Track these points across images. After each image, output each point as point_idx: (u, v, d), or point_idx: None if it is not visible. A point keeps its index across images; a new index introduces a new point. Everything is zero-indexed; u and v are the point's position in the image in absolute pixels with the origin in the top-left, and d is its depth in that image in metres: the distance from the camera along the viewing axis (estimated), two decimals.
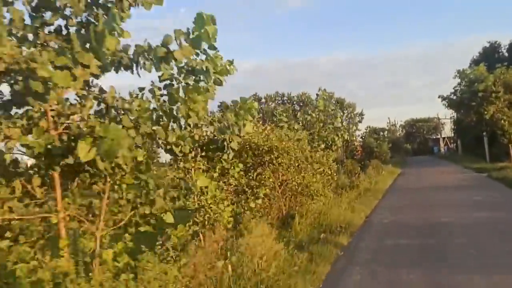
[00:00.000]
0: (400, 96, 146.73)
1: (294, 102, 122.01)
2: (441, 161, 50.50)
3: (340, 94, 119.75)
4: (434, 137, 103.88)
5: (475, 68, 30.96)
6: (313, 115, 24.26)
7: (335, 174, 22.36)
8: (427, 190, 20.87)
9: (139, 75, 6.60)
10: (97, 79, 6.57)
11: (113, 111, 6.77)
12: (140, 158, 6.55)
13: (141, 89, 7.05)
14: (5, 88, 5.99)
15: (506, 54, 44.93)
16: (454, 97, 31.96)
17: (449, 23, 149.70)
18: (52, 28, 6.55)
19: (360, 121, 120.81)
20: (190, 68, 6.67)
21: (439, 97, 33.27)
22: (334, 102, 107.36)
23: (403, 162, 49.10)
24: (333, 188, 19.52)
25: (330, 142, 23.73)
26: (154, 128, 6.93)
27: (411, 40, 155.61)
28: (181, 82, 6.75)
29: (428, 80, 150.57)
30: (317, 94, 25.02)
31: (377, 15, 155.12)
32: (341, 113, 27.06)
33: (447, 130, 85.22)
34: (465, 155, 53.37)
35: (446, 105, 33.45)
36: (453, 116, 76.65)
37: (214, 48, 6.47)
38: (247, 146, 12.39)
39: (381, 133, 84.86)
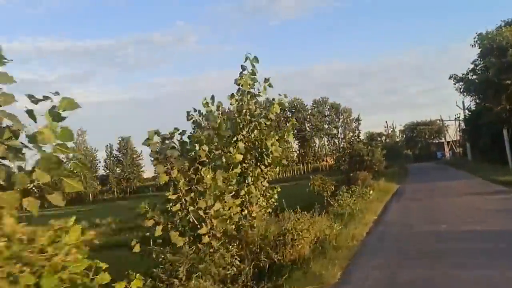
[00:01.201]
0: (398, 103, 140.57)
1: (286, 109, 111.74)
2: (451, 170, 39.02)
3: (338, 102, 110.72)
4: (437, 141, 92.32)
5: (505, 28, 19.52)
6: (232, 101, 12.80)
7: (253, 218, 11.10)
8: (459, 249, 9.14)
9: None
10: None
11: None
12: None
13: None
14: None
15: None
16: (474, 77, 20.73)
17: (444, 29, 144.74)
18: None
19: (357, 127, 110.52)
20: None
21: (450, 77, 22.23)
22: (328, 107, 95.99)
23: (402, 173, 37.64)
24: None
25: (263, 151, 12.42)
26: None
27: (407, 47, 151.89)
28: None
29: (426, 87, 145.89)
30: (242, 67, 13.33)
31: (372, 24, 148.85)
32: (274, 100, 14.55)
33: (452, 133, 73.79)
34: (478, 162, 42.27)
35: (461, 89, 22.39)
36: (459, 117, 65.51)
37: None
38: None
39: (378, 138, 73.80)
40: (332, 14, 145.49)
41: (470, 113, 38.84)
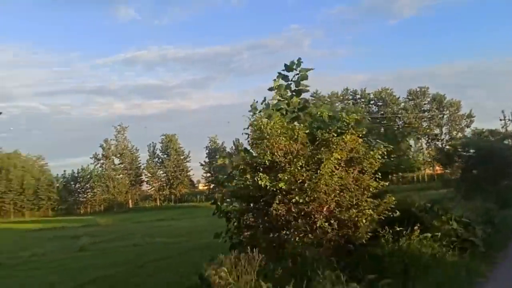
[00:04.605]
0: None
1: (371, 101, 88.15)
2: None
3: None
4: None
5: None
6: None
7: None
8: None
9: None
10: None
11: None
12: None
13: None
14: None
15: None
16: None
17: None
18: None
19: (468, 126, 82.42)
20: None
21: None
22: (428, 99, 69.45)
23: None
24: None
25: None
26: None
27: None
28: None
29: None
30: None
31: (500, 18, 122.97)
32: None
33: None
34: None
35: None
36: None
37: None
38: None
39: (490, 137, 47.90)
40: (455, 9, 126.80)
41: None
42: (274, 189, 6.85)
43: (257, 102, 8.92)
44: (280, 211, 6.94)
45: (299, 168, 6.85)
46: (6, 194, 77.68)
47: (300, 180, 6.85)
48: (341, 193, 7.04)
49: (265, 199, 7.27)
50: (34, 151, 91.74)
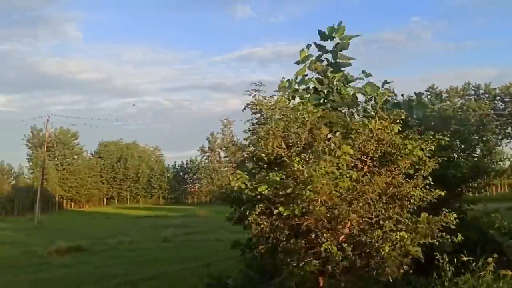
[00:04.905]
0: None
1: (496, 97, 78.42)
2: None
3: None
4: None
5: None
6: None
7: None
8: None
9: None
10: None
11: None
12: None
13: None
14: None
15: None
16: None
17: None
18: None
19: None
20: None
21: None
22: None
23: None
24: None
25: None
26: None
27: None
28: None
29: None
30: None
31: None
32: None
33: None
34: None
35: None
36: None
37: None
38: None
39: None
40: None
41: None
42: (253, 195, 4.95)
43: (287, 80, 7.02)
44: (262, 225, 5.04)
45: (297, 164, 4.83)
46: (123, 181, 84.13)
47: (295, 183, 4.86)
48: (364, 206, 4.84)
49: (244, 208, 5.41)
50: (157, 143, 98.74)
